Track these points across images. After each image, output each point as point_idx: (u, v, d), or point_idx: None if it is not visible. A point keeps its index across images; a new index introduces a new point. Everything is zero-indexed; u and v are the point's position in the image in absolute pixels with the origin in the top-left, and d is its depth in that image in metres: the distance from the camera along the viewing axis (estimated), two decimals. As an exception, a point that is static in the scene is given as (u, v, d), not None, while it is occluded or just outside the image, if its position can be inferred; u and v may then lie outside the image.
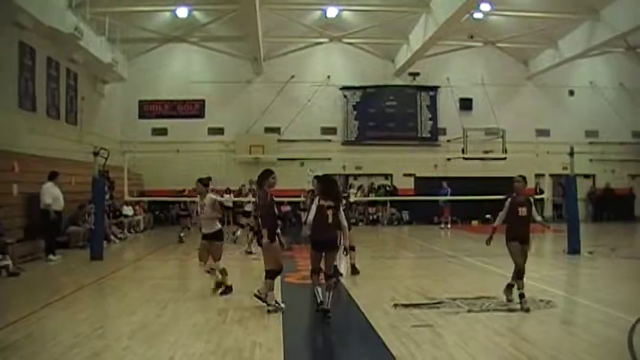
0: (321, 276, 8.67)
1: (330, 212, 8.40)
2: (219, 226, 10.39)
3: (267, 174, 9.14)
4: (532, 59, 29.36)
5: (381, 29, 26.14)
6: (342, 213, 8.65)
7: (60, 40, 18.86)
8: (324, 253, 8.57)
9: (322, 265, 8.67)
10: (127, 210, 22.36)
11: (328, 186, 8.76)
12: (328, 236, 8.51)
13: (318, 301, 8.42)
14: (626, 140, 29.99)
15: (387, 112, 29.20)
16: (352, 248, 12.01)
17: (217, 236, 10.25)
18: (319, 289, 8.57)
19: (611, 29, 21.89)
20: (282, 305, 8.93)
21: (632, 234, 24.54)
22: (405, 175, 28.49)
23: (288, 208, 24.35)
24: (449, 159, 27.46)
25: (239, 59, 28.17)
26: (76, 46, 19.57)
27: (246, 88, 28.77)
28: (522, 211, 9.27)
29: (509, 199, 9.51)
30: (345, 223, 8.69)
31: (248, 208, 17.74)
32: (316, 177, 9.66)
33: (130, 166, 19.77)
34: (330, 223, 8.42)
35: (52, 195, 14.85)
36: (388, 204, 28.16)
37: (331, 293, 8.45)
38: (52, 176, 15.04)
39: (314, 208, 8.45)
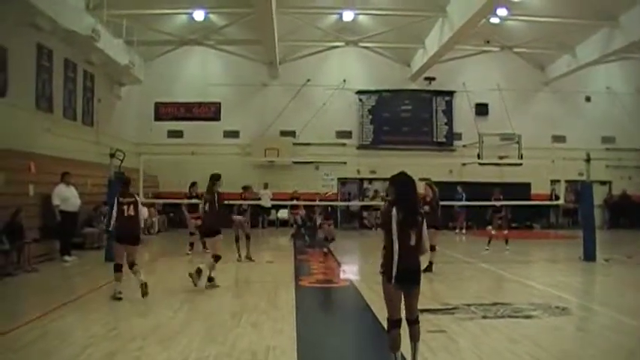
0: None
1: (413, 232, 5.88)
2: None
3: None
4: (549, 65, 29.24)
5: (397, 33, 26.09)
6: (425, 230, 6.04)
7: (77, 42, 19.01)
8: (405, 291, 5.92)
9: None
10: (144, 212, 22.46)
11: (404, 191, 6.09)
12: (412, 264, 5.92)
13: None
14: (643, 147, 29.76)
15: (403, 116, 29.17)
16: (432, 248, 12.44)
17: None
18: (399, 355, 5.84)
19: (629, 35, 21.68)
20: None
21: (649, 242, 24.32)
22: (420, 179, 28.33)
23: (302, 211, 24.33)
24: (464, 164, 27.37)
25: (255, 62, 28.23)
26: (93, 48, 19.72)
27: (261, 91, 28.83)
28: None
29: None
30: (428, 246, 6.24)
31: None
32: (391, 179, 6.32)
33: (146, 168, 19.82)
34: (414, 245, 5.89)
35: (61, 196, 14.97)
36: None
37: (417, 345, 6.00)
38: (63, 177, 15.18)
39: (395, 226, 5.83)
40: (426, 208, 11.66)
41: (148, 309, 9.08)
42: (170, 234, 23.82)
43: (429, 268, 12.63)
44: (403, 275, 5.79)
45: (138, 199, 10.76)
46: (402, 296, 5.89)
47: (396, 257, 5.78)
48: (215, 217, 11.49)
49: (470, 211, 25.46)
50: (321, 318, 9.11)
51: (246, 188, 16.55)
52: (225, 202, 12.16)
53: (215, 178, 11.71)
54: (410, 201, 6.00)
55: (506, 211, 18.29)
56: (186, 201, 17.26)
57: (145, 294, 9.91)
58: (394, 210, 5.88)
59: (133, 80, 25.56)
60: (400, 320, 5.87)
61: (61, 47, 18.71)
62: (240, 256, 15.25)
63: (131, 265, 10.25)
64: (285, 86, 28.63)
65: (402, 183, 6.11)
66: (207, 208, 11.50)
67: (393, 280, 5.80)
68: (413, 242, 5.85)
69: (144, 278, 10.12)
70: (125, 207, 10.31)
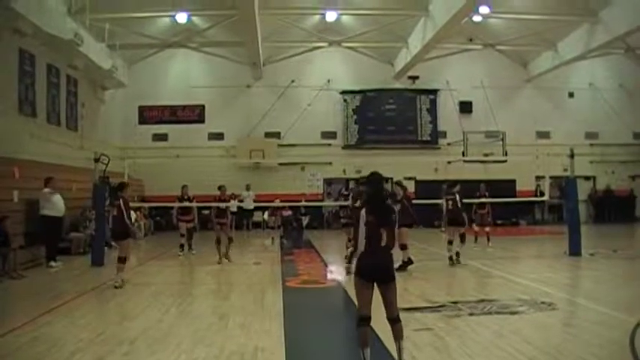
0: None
1: (384, 231, 5.93)
2: None
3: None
4: (531, 62, 29.43)
5: (380, 33, 26.16)
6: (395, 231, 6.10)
7: (60, 47, 18.89)
8: (376, 285, 5.96)
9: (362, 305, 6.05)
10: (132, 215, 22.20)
11: (373, 192, 6.24)
12: (381, 260, 5.94)
13: None
14: (626, 141, 30.02)
15: (387, 115, 29.26)
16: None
17: None
18: (367, 353, 5.73)
19: (610, 31, 21.91)
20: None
21: (633, 235, 24.53)
22: (405, 178, 28.43)
23: (289, 212, 24.35)
24: (449, 162, 27.47)
25: (239, 64, 28.16)
26: (76, 52, 19.59)
27: (246, 92, 28.84)
28: None
29: None
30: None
31: None
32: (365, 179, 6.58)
33: (131, 172, 19.73)
34: (385, 246, 5.95)
35: (47, 200, 14.92)
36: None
37: (401, 344, 5.94)
38: (48, 182, 15.09)
39: (362, 226, 5.96)
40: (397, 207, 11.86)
41: (135, 313, 9.06)
42: (157, 237, 23.77)
43: (402, 268, 12.63)
44: (369, 271, 5.93)
45: (121, 202, 11.89)
46: (372, 292, 5.96)
47: (359, 254, 6.00)
48: None
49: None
50: (309, 318, 9.10)
51: (220, 188, 16.30)
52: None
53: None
54: (380, 200, 6.17)
55: (488, 207, 18.37)
56: (177, 204, 17.23)
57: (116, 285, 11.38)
58: (364, 210, 6.02)
59: (116, 84, 25.44)
60: (368, 318, 5.93)
61: (44, 52, 18.60)
62: (220, 257, 15.32)
63: (121, 260, 11.66)
64: (269, 87, 28.64)
65: (372, 183, 6.28)
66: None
67: (356, 273, 6.03)
68: (384, 241, 5.95)
69: (119, 281, 11.47)
70: (111, 208, 12.61)
